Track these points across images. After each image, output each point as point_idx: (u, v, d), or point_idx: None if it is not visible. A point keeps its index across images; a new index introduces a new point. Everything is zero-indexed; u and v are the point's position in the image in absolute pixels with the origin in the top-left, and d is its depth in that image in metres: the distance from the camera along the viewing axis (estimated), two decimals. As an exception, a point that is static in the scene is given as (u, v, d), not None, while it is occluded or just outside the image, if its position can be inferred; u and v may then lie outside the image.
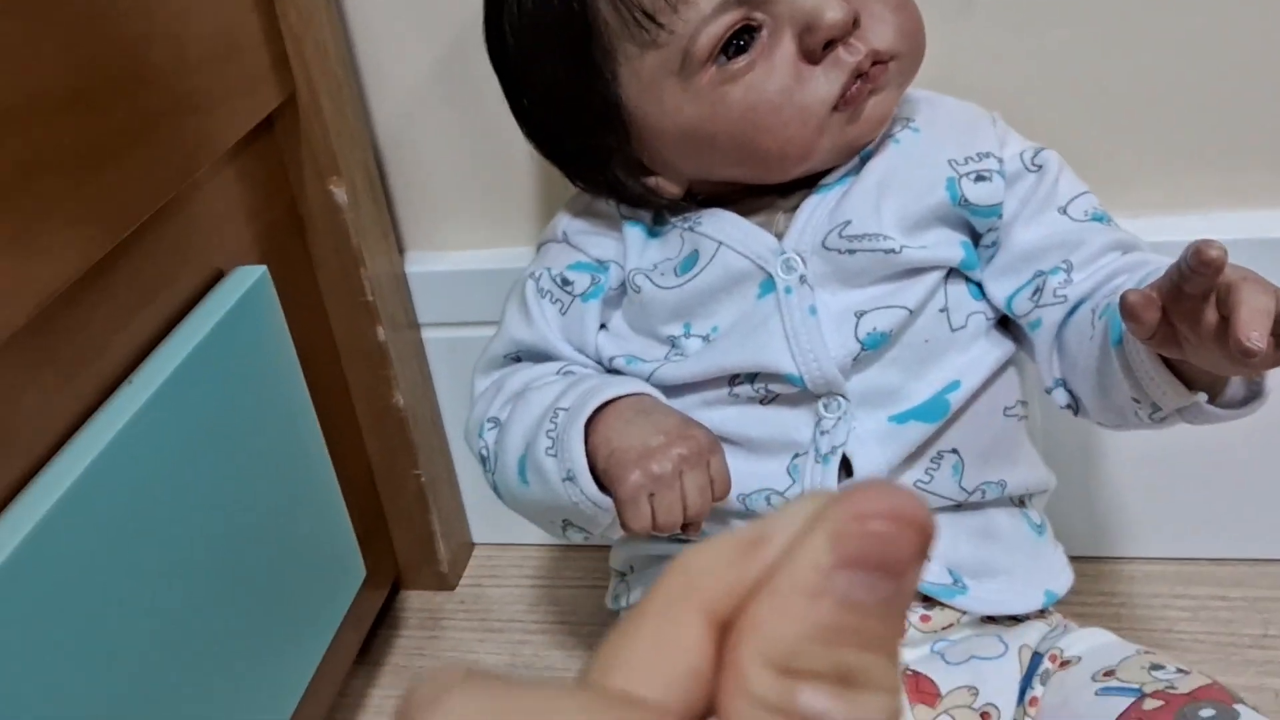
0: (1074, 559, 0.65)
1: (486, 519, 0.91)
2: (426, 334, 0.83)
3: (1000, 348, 0.61)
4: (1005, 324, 0.63)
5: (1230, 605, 0.79)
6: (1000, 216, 0.60)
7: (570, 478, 0.56)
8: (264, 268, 0.65)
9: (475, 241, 0.81)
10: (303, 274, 0.73)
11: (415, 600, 0.89)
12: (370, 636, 0.84)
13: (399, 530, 0.85)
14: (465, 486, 0.89)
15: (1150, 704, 0.54)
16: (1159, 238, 0.66)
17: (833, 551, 0.17)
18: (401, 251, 0.82)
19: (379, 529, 0.84)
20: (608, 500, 0.55)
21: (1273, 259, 0.69)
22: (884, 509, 0.18)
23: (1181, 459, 0.78)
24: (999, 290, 0.61)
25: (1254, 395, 0.53)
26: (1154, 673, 0.57)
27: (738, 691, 0.17)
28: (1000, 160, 0.60)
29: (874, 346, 0.59)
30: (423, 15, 0.75)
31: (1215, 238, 0.69)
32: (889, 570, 0.17)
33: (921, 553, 0.18)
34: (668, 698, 0.18)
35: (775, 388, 0.59)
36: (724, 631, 0.18)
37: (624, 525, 0.54)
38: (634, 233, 0.63)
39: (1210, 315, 0.47)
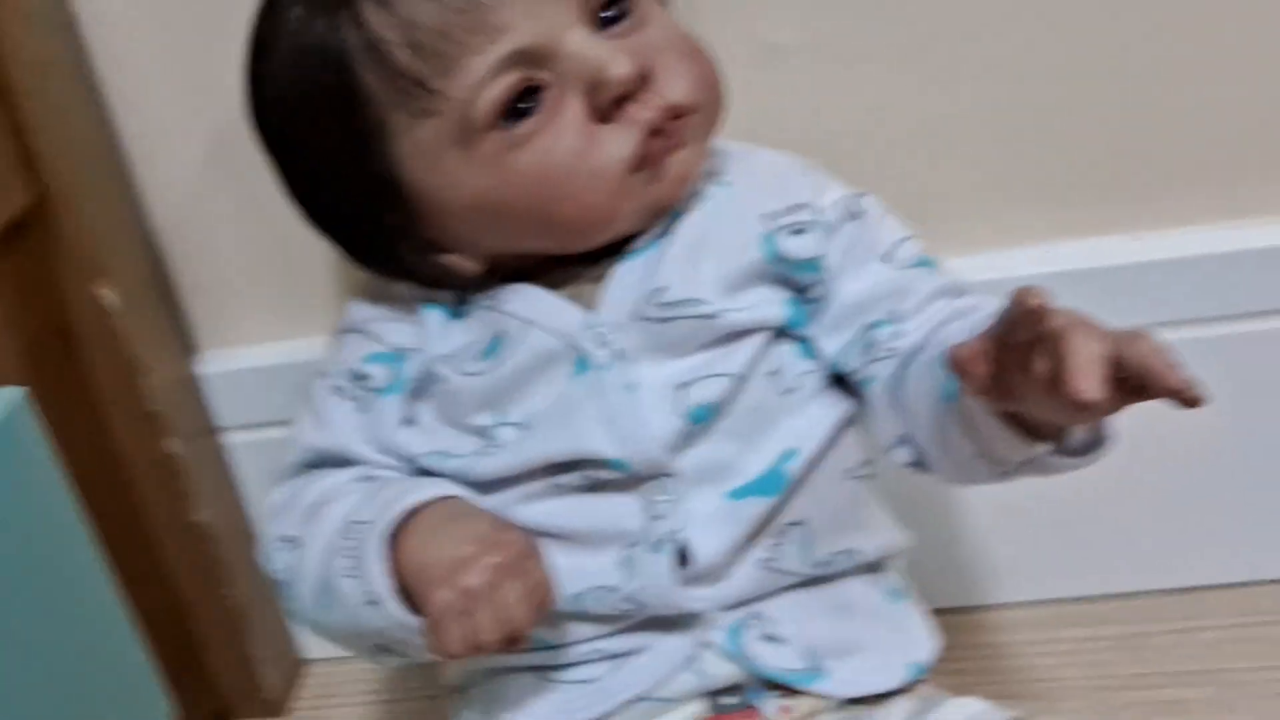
0: (940, 611, 0.62)
1: (317, 634, 0.83)
2: (230, 439, 0.76)
3: (837, 408, 0.57)
4: (841, 381, 0.59)
5: (1103, 645, 0.77)
6: (820, 270, 0.56)
7: (374, 601, 0.49)
8: (23, 390, 0.58)
9: (277, 334, 0.75)
10: (74, 389, 0.66)
11: (244, 732, 0.81)
12: (194, 780, 0.76)
13: (216, 658, 0.77)
14: (290, 601, 0.82)
15: (1030, 778, 0.50)
16: (989, 275, 0.64)
17: None
18: (195, 352, 0.75)
19: (193, 659, 0.76)
20: (418, 623, 0.49)
21: (1102, 288, 0.68)
22: None
23: (1039, 497, 0.75)
24: (829, 347, 0.57)
25: (1099, 441, 0.50)
26: (1031, 741, 0.53)
27: None
28: (817, 210, 0.57)
29: (701, 420, 0.54)
30: (196, 95, 0.69)
31: (1045, 269, 0.69)
32: None
33: None
34: None
35: (599, 475, 0.54)
36: None
37: (437, 650, 0.48)
38: (433, 317, 0.57)
39: (1040, 365, 0.44)
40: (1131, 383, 0.43)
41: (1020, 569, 0.79)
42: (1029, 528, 0.78)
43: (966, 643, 0.78)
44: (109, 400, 0.67)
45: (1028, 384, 0.44)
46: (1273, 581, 0.77)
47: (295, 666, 0.83)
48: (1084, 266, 0.69)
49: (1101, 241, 0.71)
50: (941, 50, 0.66)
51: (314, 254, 0.73)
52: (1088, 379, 0.40)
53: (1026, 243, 0.71)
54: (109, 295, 0.65)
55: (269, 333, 0.75)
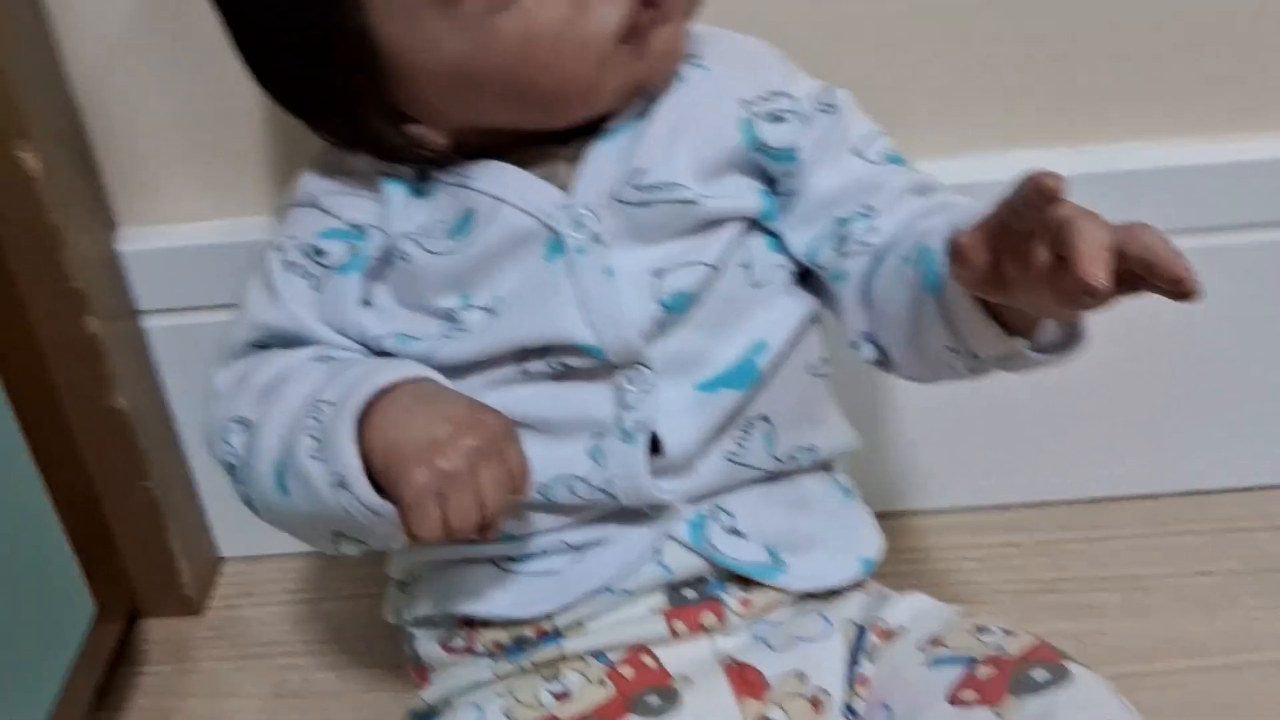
0: (871, 515, 0.63)
1: (235, 530, 0.80)
2: (149, 322, 0.72)
3: (803, 303, 0.57)
4: (804, 276, 0.59)
5: (1021, 551, 0.79)
6: (796, 161, 0.55)
7: (341, 483, 0.47)
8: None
9: (204, 212, 0.71)
10: (-10, 259, 0.61)
11: (158, 630, 0.78)
12: (108, 677, 0.73)
13: (131, 552, 0.74)
14: (207, 495, 0.79)
15: (983, 671, 0.52)
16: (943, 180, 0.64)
17: None
18: (113, 227, 0.71)
19: (107, 553, 0.73)
20: (389, 506, 0.47)
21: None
22: None
23: (963, 408, 0.78)
24: (799, 241, 0.57)
25: (1073, 338, 0.51)
26: (981, 636, 0.54)
27: None
28: (794, 99, 0.56)
29: (676, 309, 0.53)
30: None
31: (993, 177, 0.68)
32: None
33: None
34: None
35: (571, 361, 0.53)
36: None
37: (410, 533, 0.46)
38: (396, 192, 0.54)
39: (1042, 254, 0.44)
40: (1129, 275, 0.43)
41: (942, 476, 0.81)
42: (951, 437, 0.79)
43: (894, 546, 0.78)
44: (28, 273, 0.63)
45: (1024, 274, 0.44)
46: (1177, 494, 0.81)
47: (212, 564, 0.81)
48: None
49: (1045, 153, 0.71)
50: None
51: (247, 126, 0.69)
52: (1096, 264, 0.40)
53: (971, 150, 0.71)
54: (30, 159, 0.60)
55: (195, 211, 0.71)
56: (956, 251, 0.44)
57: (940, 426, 0.79)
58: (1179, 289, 0.41)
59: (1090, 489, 0.81)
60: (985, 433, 0.79)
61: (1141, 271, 0.42)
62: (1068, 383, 0.76)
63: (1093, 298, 0.41)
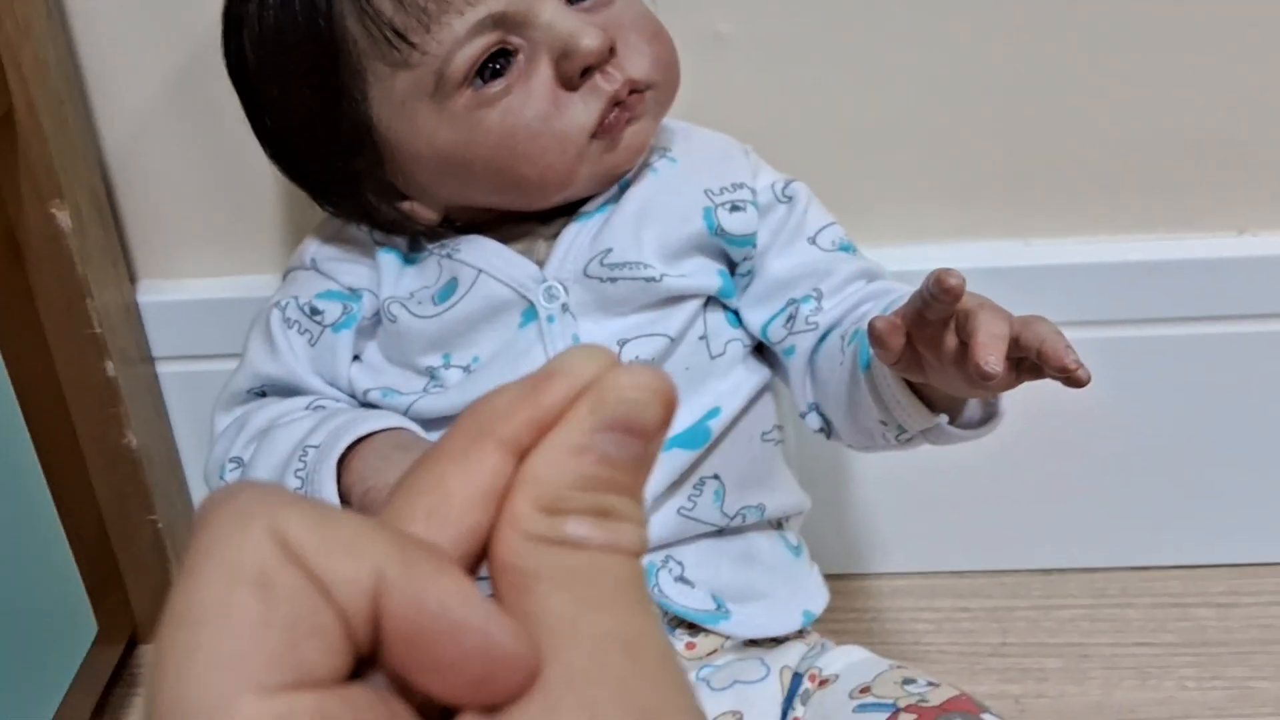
0: (827, 576, 0.67)
1: (232, 564, 0.85)
2: (161, 368, 0.78)
3: (757, 374, 0.62)
4: (760, 351, 0.64)
5: (971, 616, 0.83)
6: (754, 246, 0.61)
7: (322, 519, 0.53)
8: (-26, 298, 0.59)
9: (214, 269, 0.77)
10: (21, 305, 0.67)
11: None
12: (105, 697, 0.77)
13: (134, 580, 0.79)
14: (208, 530, 0.84)
15: (904, 718, 0.56)
16: (898, 267, 0.69)
17: (595, 417, 0.21)
18: (133, 280, 0.77)
19: (112, 580, 0.78)
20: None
21: (1000, 286, 0.73)
22: (639, 382, 0.21)
23: (924, 479, 0.82)
24: (754, 318, 0.62)
25: (990, 416, 0.56)
26: (906, 687, 0.59)
27: (510, 528, 0.21)
28: (753, 191, 0.61)
29: (636, 375, 0.58)
30: (155, 26, 0.70)
31: (945, 265, 0.75)
32: (639, 434, 0.21)
33: (666, 422, 0.22)
34: (465, 523, 0.21)
35: (537, 419, 0.58)
36: (520, 457, 0.21)
37: (381, 568, 0.51)
38: (388, 260, 0.60)
39: (950, 340, 0.49)
40: (1028, 362, 0.49)
41: (901, 542, 0.85)
42: (911, 505, 0.84)
43: (850, 606, 0.83)
44: (54, 319, 0.68)
45: (936, 357, 0.50)
46: (1122, 569, 0.85)
47: (208, 594, 0.85)
48: (979, 266, 0.74)
49: (997, 244, 0.77)
50: (867, 56, 0.71)
51: (257, 194, 0.75)
52: (992, 353, 0.46)
53: (929, 240, 0.77)
54: (62, 216, 0.66)
55: (206, 268, 0.77)
56: (872, 334, 0.50)
57: (900, 495, 0.83)
58: (1067, 377, 0.47)
59: (1040, 560, 0.85)
60: (943, 503, 0.83)
61: (1036, 360, 0.47)
62: (1024, 459, 0.80)
63: (988, 380, 0.46)
